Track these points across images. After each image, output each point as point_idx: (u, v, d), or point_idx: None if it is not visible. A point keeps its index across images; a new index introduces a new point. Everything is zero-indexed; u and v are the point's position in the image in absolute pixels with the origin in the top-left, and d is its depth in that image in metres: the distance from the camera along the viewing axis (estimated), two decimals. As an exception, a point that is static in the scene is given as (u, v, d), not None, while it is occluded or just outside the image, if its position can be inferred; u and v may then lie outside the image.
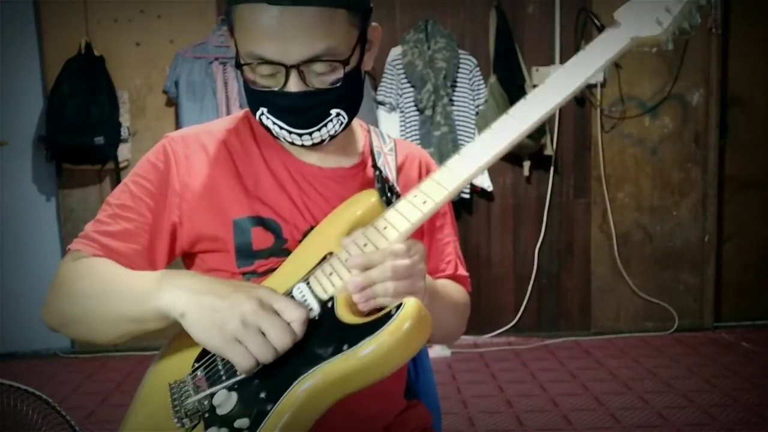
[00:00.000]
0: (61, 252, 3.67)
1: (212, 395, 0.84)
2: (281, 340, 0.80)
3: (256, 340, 0.79)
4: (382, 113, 3.56)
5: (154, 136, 3.62)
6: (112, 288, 0.92)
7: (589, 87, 3.65)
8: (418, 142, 3.51)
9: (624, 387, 3.00)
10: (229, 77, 3.45)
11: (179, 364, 0.92)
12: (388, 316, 0.78)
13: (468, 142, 3.58)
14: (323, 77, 0.94)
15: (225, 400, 0.82)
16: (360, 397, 0.81)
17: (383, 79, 3.58)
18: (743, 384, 2.98)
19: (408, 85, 3.53)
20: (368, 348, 0.77)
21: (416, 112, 3.53)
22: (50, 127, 3.45)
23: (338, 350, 0.79)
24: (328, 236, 0.95)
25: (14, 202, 3.67)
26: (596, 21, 3.58)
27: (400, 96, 3.55)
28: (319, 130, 0.98)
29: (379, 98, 3.57)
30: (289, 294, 0.89)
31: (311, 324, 0.83)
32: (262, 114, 0.98)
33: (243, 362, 0.80)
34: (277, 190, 1.02)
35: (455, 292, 1.11)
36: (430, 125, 3.49)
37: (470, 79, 3.57)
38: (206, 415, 0.83)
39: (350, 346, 0.78)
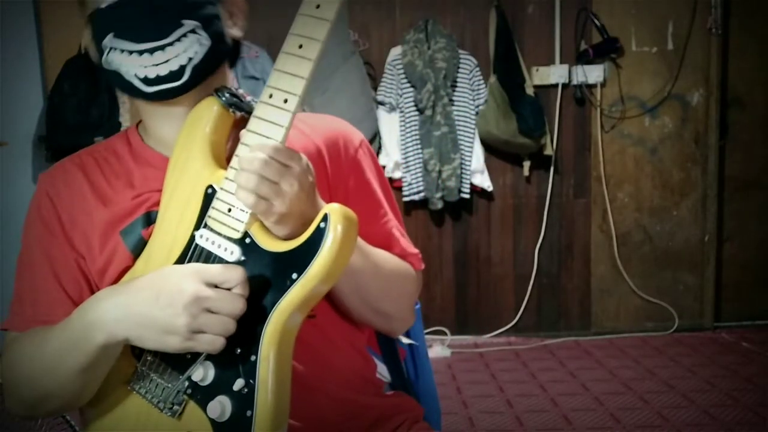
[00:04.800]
0: (61, 252, 3.67)
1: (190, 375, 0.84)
2: (235, 309, 0.79)
3: (213, 322, 0.79)
4: (382, 113, 3.56)
5: (154, 136, 3.62)
6: (51, 353, 0.88)
7: (589, 87, 3.66)
8: (418, 142, 3.51)
9: (624, 387, 3.00)
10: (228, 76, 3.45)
11: (123, 363, 0.89)
12: (320, 231, 0.79)
13: (468, 142, 3.59)
14: None
15: (204, 373, 0.83)
16: (332, 386, 0.83)
17: (383, 79, 3.58)
18: (743, 384, 2.98)
19: (408, 85, 3.53)
20: (317, 267, 0.79)
21: (416, 112, 3.53)
22: (50, 127, 3.46)
23: (290, 281, 0.80)
24: (194, 170, 0.90)
25: (14, 202, 3.67)
26: (596, 21, 3.59)
27: (400, 96, 3.55)
28: (172, 44, 0.88)
29: (379, 98, 3.57)
30: (192, 244, 0.87)
31: (244, 267, 0.83)
32: (110, 50, 0.89)
33: (212, 347, 0.80)
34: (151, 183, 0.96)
35: (388, 259, 1.02)
36: (430, 125, 3.48)
37: (470, 79, 3.57)
38: (189, 391, 0.84)
39: (299, 273, 0.79)
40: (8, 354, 0.95)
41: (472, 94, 3.58)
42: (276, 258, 0.82)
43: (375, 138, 3.53)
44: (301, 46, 0.82)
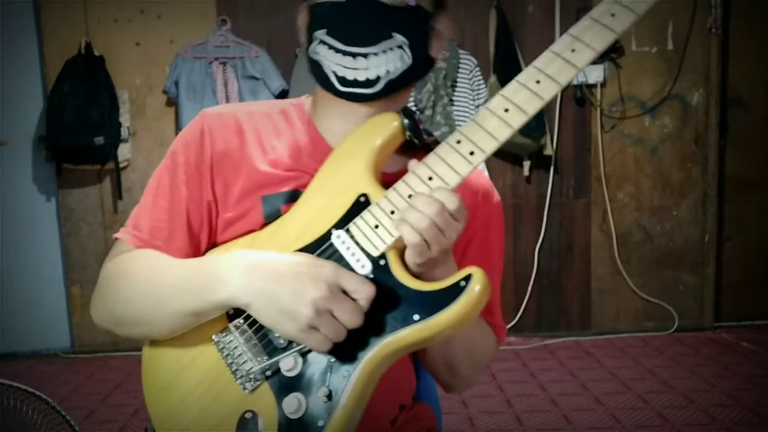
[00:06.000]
0: (62, 252, 3.68)
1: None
2: (354, 322, 0.80)
3: (330, 325, 0.79)
4: (382, 113, 3.56)
5: (154, 136, 3.62)
6: (165, 285, 0.90)
7: (589, 87, 3.66)
8: (418, 142, 3.51)
9: (624, 387, 3.00)
10: (228, 77, 3.45)
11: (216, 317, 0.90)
12: (458, 287, 0.79)
13: (468, 142, 3.59)
14: None
15: (293, 365, 0.84)
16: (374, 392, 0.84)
17: (383, 79, 3.58)
18: (743, 384, 2.98)
19: (408, 85, 3.53)
20: (442, 321, 0.79)
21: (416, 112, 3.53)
22: (50, 127, 3.45)
23: (409, 320, 0.80)
24: (352, 173, 0.90)
25: (14, 202, 3.67)
26: (596, 21, 3.58)
27: (400, 96, 3.55)
28: (377, 54, 0.91)
29: (379, 98, 3.57)
30: (325, 240, 0.87)
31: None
32: (320, 42, 0.92)
33: (320, 347, 0.81)
34: (307, 164, 0.97)
35: (480, 325, 1.03)
36: (430, 125, 3.48)
37: (470, 79, 3.57)
38: (269, 374, 0.85)
39: (421, 317, 0.80)
40: (114, 265, 0.96)
41: (472, 94, 3.58)
42: (404, 291, 0.82)
43: (375, 138, 3.53)
44: (507, 110, 0.83)
